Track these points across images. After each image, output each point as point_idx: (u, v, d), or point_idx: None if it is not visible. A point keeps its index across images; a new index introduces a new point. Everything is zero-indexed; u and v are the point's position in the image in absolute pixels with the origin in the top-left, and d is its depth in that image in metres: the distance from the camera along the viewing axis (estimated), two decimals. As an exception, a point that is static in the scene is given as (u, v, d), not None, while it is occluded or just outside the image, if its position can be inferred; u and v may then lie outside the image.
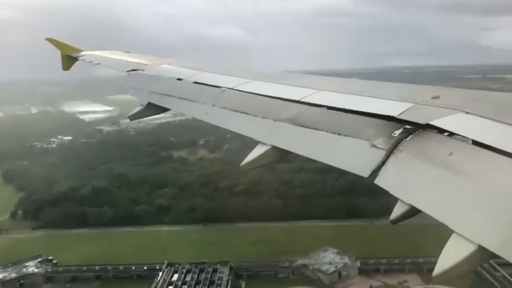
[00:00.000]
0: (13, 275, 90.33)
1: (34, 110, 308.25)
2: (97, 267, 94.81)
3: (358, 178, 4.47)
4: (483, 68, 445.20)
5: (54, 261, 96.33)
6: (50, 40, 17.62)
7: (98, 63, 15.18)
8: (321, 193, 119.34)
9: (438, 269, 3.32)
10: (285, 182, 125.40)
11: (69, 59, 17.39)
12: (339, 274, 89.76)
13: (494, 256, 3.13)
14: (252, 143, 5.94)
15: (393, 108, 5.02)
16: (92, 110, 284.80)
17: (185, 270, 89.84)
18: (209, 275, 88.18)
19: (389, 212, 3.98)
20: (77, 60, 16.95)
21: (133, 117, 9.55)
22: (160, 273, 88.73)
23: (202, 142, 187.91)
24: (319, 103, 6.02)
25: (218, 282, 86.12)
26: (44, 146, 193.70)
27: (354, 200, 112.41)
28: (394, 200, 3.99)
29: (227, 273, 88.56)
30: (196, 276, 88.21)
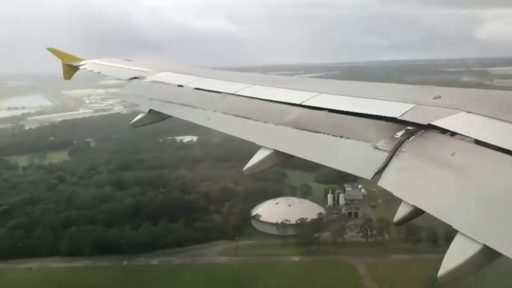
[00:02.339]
0: None
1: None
2: None
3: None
4: (474, 62, 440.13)
5: None
6: (51, 50, 17.67)
7: (99, 72, 15.27)
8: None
9: (443, 270, 3.30)
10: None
11: (70, 68, 17.40)
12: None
13: (499, 255, 3.12)
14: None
15: (395, 109, 5.03)
16: (22, 106, 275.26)
17: None
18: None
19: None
20: (78, 69, 16.99)
21: (134, 125, 9.54)
22: None
23: (75, 143, 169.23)
24: (321, 106, 6.03)
25: None
26: None
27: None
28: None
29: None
30: None
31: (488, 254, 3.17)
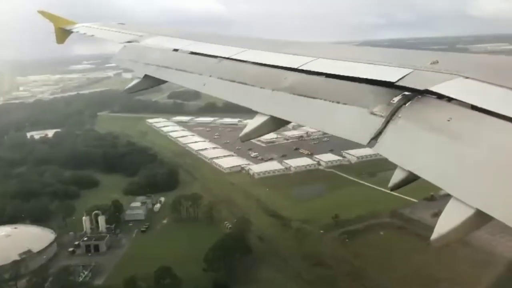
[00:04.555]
0: None
1: None
2: None
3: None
4: (468, 39, 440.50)
5: None
6: (42, 13, 17.19)
7: (92, 35, 14.92)
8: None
9: (436, 234, 3.36)
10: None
11: (63, 32, 17.01)
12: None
13: (491, 219, 3.16)
14: None
15: (392, 74, 4.96)
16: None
17: None
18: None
19: None
20: (72, 32, 16.63)
21: (129, 90, 9.45)
22: None
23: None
24: (318, 70, 5.96)
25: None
26: None
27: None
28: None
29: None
30: None
31: (480, 218, 3.21)
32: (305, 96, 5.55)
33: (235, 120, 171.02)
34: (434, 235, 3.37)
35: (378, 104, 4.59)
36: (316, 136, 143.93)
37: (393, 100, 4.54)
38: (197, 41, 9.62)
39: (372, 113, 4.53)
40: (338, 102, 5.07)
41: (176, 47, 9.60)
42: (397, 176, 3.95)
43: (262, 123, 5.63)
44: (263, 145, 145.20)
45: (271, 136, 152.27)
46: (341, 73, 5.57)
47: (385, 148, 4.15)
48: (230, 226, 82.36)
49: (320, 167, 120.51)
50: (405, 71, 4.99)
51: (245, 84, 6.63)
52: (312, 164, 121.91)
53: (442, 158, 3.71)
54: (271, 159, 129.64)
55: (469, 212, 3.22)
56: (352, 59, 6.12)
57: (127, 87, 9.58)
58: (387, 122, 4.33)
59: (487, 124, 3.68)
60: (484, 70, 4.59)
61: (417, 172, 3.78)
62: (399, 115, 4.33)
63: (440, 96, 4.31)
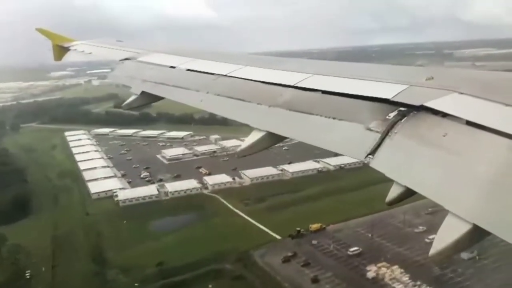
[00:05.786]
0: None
1: None
2: None
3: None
4: (456, 44, 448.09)
5: None
6: (40, 30, 17.29)
7: (90, 53, 14.89)
8: None
9: (433, 249, 3.38)
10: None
11: (60, 49, 17.04)
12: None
13: (489, 234, 3.20)
14: None
15: (387, 91, 5.04)
16: None
17: None
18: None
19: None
20: (69, 50, 16.56)
21: (127, 106, 9.43)
22: None
23: None
24: (314, 87, 6.04)
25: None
26: None
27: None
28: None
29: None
30: None
31: (477, 233, 3.24)
32: (301, 112, 5.61)
33: (155, 133, 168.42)
34: (432, 251, 3.38)
35: (374, 120, 4.65)
36: (233, 151, 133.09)
37: (389, 116, 4.60)
38: (194, 58, 9.75)
39: (368, 129, 4.58)
40: (334, 118, 5.12)
41: (173, 64, 9.70)
42: (394, 192, 3.98)
43: (259, 139, 5.66)
44: (166, 162, 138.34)
45: (178, 152, 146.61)
46: (337, 90, 5.65)
47: (382, 164, 4.19)
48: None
49: (206, 191, 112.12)
50: (401, 87, 5.06)
51: (242, 100, 6.68)
52: (196, 188, 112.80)
53: (438, 173, 3.76)
54: (160, 180, 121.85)
55: (466, 227, 3.26)
56: (347, 76, 6.20)
57: (124, 103, 9.58)
58: (383, 138, 4.37)
59: (482, 139, 3.74)
60: (479, 86, 4.66)
61: (413, 187, 3.83)
62: (395, 131, 4.38)
63: (435, 112, 4.36)
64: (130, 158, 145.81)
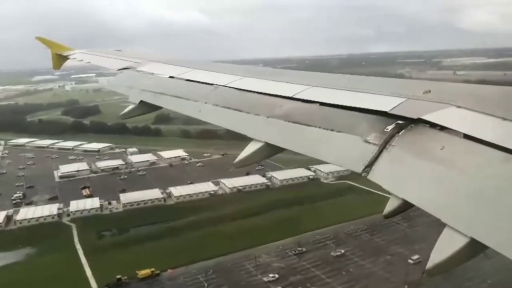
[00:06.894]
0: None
1: None
2: None
3: None
4: (455, 52, 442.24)
5: None
6: (40, 39, 17.41)
7: (89, 62, 14.93)
8: None
9: (431, 263, 3.37)
10: None
11: (59, 58, 17.18)
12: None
13: (486, 248, 3.19)
14: None
15: (385, 103, 5.06)
16: None
17: None
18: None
19: None
20: (68, 58, 16.69)
21: (124, 116, 9.43)
22: None
23: None
24: (312, 99, 6.07)
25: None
26: None
27: None
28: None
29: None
30: None
31: (475, 247, 3.24)
32: (299, 123, 5.63)
33: (71, 145, 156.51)
34: (429, 264, 3.38)
35: (372, 133, 4.66)
36: (140, 168, 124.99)
37: (387, 129, 4.62)
38: (193, 69, 9.82)
39: (366, 141, 4.59)
40: (332, 130, 5.14)
41: (172, 74, 9.73)
42: (391, 205, 3.98)
43: (257, 149, 5.68)
44: (57, 180, 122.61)
45: (73, 168, 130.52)
46: (335, 102, 5.68)
47: (379, 176, 4.20)
48: None
49: (65, 219, 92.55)
50: (399, 100, 5.09)
51: (240, 111, 6.71)
52: (51, 216, 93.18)
53: (435, 186, 3.76)
54: (30, 203, 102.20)
55: (464, 241, 3.26)
56: (345, 88, 6.24)
57: (122, 112, 9.56)
58: (381, 151, 4.38)
59: (479, 152, 3.75)
60: (476, 100, 4.70)
61: (411, 200, 3.83)
62: (393, 144, 4.39)
63: (433, 125, 4.38)
64: (23, 174, 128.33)
